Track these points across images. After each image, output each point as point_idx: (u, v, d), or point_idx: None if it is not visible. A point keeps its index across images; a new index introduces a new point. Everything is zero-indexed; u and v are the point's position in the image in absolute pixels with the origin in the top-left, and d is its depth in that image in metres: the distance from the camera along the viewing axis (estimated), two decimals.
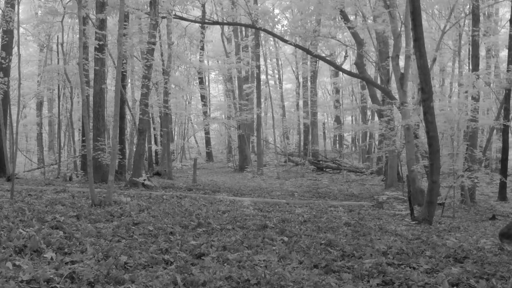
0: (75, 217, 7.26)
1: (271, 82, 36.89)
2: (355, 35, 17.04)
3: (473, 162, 14.53)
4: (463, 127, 13.85)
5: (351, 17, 19.94)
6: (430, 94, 9.46)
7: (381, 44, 17.21)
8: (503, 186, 16.45)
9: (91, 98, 17.26)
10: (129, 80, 23.78)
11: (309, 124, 29.86)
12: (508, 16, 18.98)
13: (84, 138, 15.00)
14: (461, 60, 22.82)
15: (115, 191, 11.16)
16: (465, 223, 10.50)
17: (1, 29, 16.81)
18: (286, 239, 6.59)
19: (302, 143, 31.34)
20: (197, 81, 31.41)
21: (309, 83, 30.34)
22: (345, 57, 31.79)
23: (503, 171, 16.58)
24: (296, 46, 18.01)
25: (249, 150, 27.86)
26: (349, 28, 16.38)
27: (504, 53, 24.57)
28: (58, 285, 3.68)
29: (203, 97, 31.44)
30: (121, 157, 16.24)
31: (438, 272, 5.09)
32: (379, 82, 18.24)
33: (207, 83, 35.67)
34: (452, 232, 8.70)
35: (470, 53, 18.73)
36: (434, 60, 16.79)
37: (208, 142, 33.82)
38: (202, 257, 5.12)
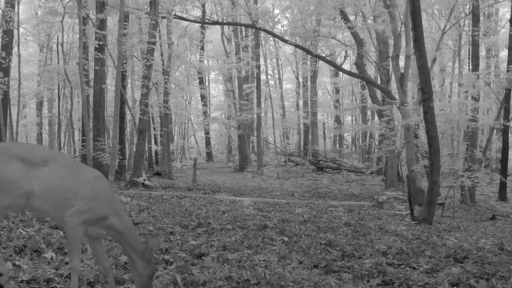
0: None
1: (271, 82, 36.88)
2: (355, 35, 17.04)
3: (473, 162, 14.52)
4: (463, 127, 13.86)
5: (351, 17, 19.94)
6: (430, 94, 9.46)
7: (381, 44, 17.21)
8: (503, 186, 16.44)
9: (91, 98, 17.25)
10: (129, 80, 23.78)
11: (309, 124, 29.86)
12: (508, 16, 18.98)
13: (84, 138, 15.00)
14: (461, 60, 22.82)
15: (115, 191, 11.15)
16: (465, 223, 10.50)
17: (1, 29, 16.81)
18: (286, 239, 6.59)
19: (302, 143, 31.33)
20: (197, 81, 31.41)
21: (309, 83, 30.33)
22: (345, 57, 31.77)
23: (503, 171, 16.58)
24: (296, 46, 18.01)
25: (249, 150, 27.85)
26: (349, 28, 16.38)
27: (504, 53, 24.57)
28: (58, 285, 3.68)
29: (203, 97, 31.43)
30: (121, 157, 16.22)
31: (438, 272, 5.09)
32: (379, 82, 18.24)
33: (207, 83, 35.67)
34: (452, 232, 8.70)
35: (470, 53, 18.74)
36: (434, 60, 16.79)
37: (208, 142, 33.81)
38: (202, 257, 5.12)
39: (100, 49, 16.09)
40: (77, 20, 18.35)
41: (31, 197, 3.00)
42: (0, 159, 2.97)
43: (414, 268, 5.23)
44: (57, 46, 22.70)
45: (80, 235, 3.15)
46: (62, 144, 26.39)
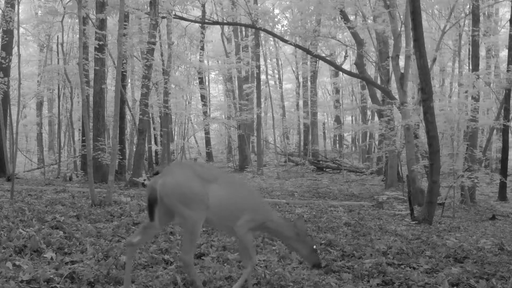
0: (75, 217, 7.25)
1: (271, 82, 36.87)
2: (355, 35, 17.04)
3: (473, 162, 14.53)
4: (463, 127, 13.86)
5: (351, 17, 19.94)
6: (430, 94, 9.46)
7: (381, 44, 17.21)
8: (503, 186, 16.45)
9: (91, 98, 17.26)
10: (129, 80, 23.77)
11: (309, 124, 29.85)
12: (508, 16, 18.99)
13: (84, 138, 14.99)
14: (461, 60, 22.84)
15: (115, 191, 11.15)
16: (465, 223, 10.50)
17: (1, 29, 16.81)
18: None
19: (302, 143, 31.33)
20: (197, 81, 31.38)
21: (309, 83, 30.33)
22: (345, 57, 31.77)
23: (503, 171, 16.58)
24: (296, 46, 18.01)
25: (249, 150, 27.84)
26: (349, 28, 16.38)
27: (504, 53, 24.58)
28: (58, 285, 3.68)
29: (203, 97, 31.41)
30: (121, 157, 16.22)
31: (438, 272, 5.09)
32: (379, 82, 18.25)
33: (207, 83, 35.64)
34: (452, 232, 8.69)
35: (470, 53, 18.75)
36: (434, 60, 16.79)
37: (208, 142, 33.77)
38: (202, 257, 5.12)
39: (100, 49, 16.10)
40: (77, 20, 18.36)
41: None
42: (189, 176, 3.45)
43: (414, 268, 5.23)
44: (57, 46, 22.68)
45: (250, 238, 3.80)
46: (62, 144, 26.38)
